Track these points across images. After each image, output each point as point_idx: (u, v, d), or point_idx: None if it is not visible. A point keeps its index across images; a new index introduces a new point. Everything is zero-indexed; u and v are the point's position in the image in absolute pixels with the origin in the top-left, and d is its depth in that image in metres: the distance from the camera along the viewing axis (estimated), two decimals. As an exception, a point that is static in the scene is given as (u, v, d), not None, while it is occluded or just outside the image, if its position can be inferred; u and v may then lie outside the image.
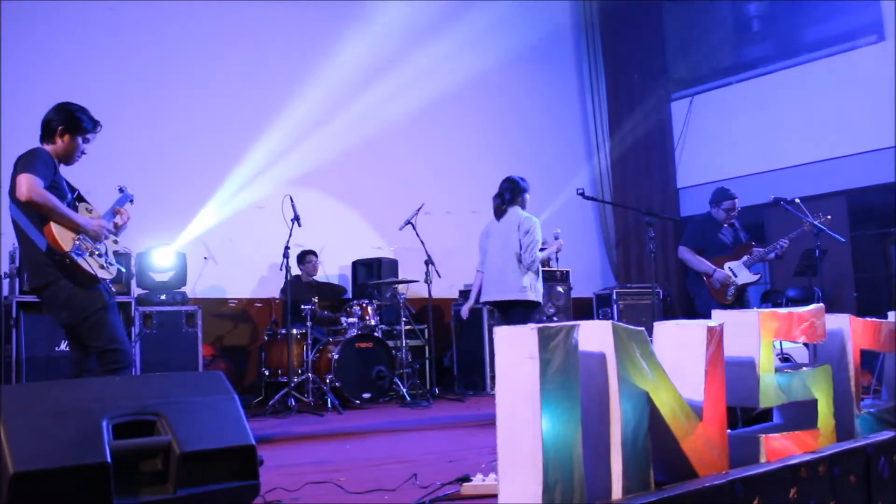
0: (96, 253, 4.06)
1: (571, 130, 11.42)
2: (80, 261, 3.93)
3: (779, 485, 2.71)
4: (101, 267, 4.05)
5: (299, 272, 8.12)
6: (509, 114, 10.67)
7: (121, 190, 4.51)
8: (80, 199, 4.27)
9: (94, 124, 4.25)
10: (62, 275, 3.96)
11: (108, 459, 2.18)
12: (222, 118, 8.31)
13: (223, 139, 8.29)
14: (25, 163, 3.96)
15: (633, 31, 11.68)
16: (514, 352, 2.35)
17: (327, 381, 7.21)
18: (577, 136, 11.45)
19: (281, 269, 7.08)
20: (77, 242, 3.97)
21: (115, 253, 4.25)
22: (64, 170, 4.23)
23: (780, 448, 2.98)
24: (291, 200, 7.05)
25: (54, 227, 3.92)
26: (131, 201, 4.50)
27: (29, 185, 3.84)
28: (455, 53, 10.16)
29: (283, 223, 7.04)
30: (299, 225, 7.06)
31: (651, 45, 11.81)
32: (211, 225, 8.18)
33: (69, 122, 4.15)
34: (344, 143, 9.05)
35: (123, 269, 4.48)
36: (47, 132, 4.17)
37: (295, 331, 7.34)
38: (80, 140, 4.19)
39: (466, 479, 3.18)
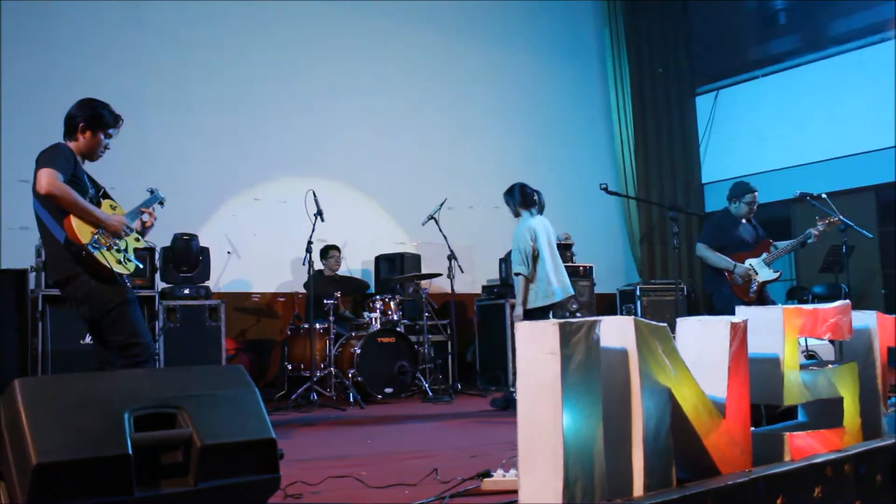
0: (114, 248, 4.07)
1: (595, 125, 11.36)
2: (97, 254, 3.95)
3: (803, 483, 2.68)
4: (119, 262, 4.06)
5: (322, 267, 8.14)
6: (533, 108, 10.63)
7: (150, 191, 4.53)
8: (106, 195, 4.29)
9: (116, 119, 4.26)
10: (81, 269, 3.98)
11: (130, 451, 2.18)
12: (245, 113, 8.34)
13: (246, 134, 8.32)
14: (46, 157, 3.99)
15: (657, 24, 11.61)
16: (536, 347, 2.34)
17: (349, 375, 7.22)
18: (601, 131, 11.38)
19: (304, 264, 7.10)
20: (95, 236, 3.99)
21: (135, 250, 4.27)
22: (90, 166, 4.26)
23: (805, 446, 2.95)
24: (314, 195, 7.06)
25: (73, 221, 3.94)
26: (161, 203, 4.53)
27: (48, 178, 3.87)
28: (480, 48, 10.16)
29: (306, 218, 7.05)
30: (322, 220, 7.08)
31: (676, 39, 11.74)
32: (234, 219, 8.22)
33: (91, 118, 4.18)
34: (367, 138, 9.07)
35: (142, 266, 4.49)
36: (70, 128, 4.20)
37: (317, 325, 7.36)
38: (101, 136, 4.22)
39: (487, 474, 3.17)
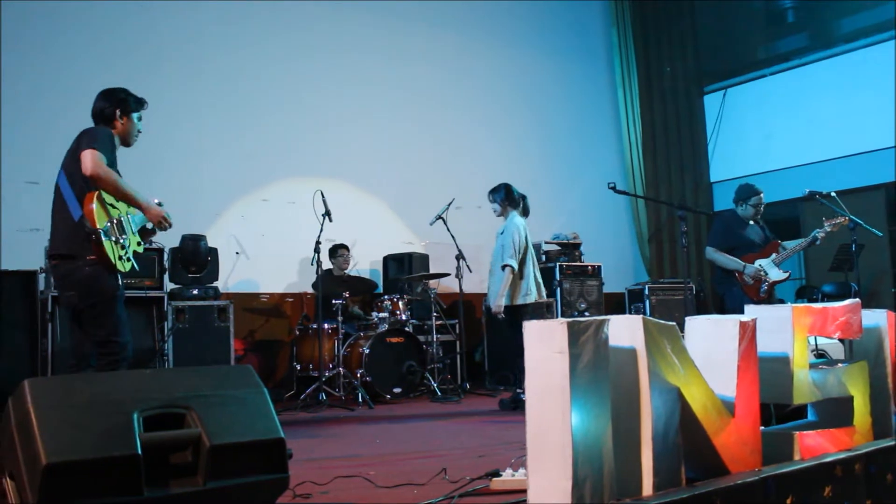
0: (120, 244, 4.10)
1: (603, 124, 11.34)
2: (105, 242, 3.97)
3: (813, 483, 2.67)
4: (119, 258, 4.08)
5: (330, 267, 8.15)
6: (541, 108, 10.62)
7: (159, 204, 4.57)
8: None
9: (141, 101, 4.37)
10: (84, 252, 3.98)
11: (139, 451, 2.19)
12: (254, 114, 8.35)
13: (254, 135, 8.34)
14: (91, 138, 4.03)
15: (665, 23, 11.59)
16: (544, 346, 2.34)
17: (358, 375, 7.23)
18: (609, 130, 11.37)
19: (312, 264, 7.11)
20: (108, 224, 4.01)
21: (135, 253, 4.29)
22: None
23: (815, 445, 2.94)
24: (322, 195, 7.07)
25: (94, 205, 3.96)
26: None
27: (94, 160, 3.92)
28: (487, 48, 10.16)
29: (314, 218, 7.06)
30: (330, 220, 7.09)
31: (684, 38, 11.71)
32: (243, 220, 8.23)
33: (123, 104, 4.27)
34: (375, 138, 9.08)
35: (137, 268, 4.50)
36: (105, 118, 4.25)
37: (326, 325, 7.37)
38: (136, 119, 4.32)
39: (496, 474, 3.17)
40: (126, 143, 4.34)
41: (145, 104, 4.40)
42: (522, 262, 6.44)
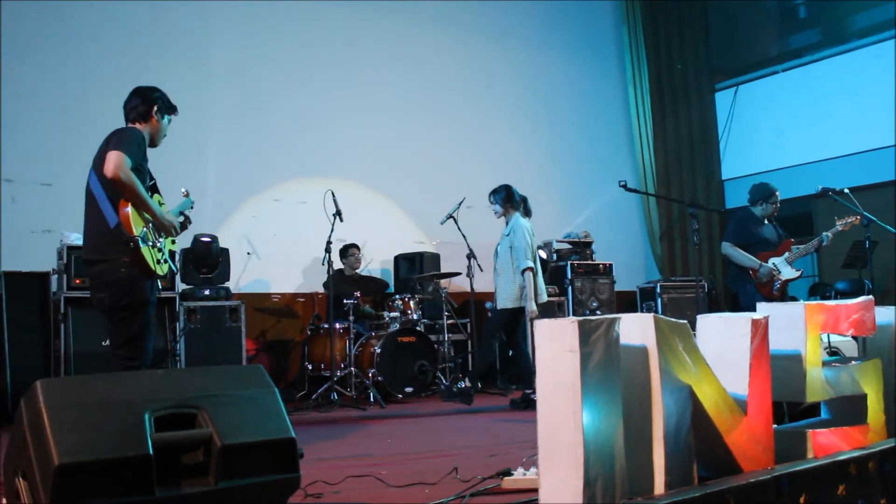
0: (157, 247, 4.08)
1: (614, 122, 11.31)
2: (143, 248, 3.93)
3: (826, 481, 2.66)
4: (157, 262, 4.06)
5: (342, 266, 8.16)
6: (552, 106, 10.60)
7: (185, 194, 4.58)
8: (155, 188, 4.29)
9: (174, 106, 4.40)
10: (120, 256, 3.93)
11: (151, 452, 2.20)
12: (265, 114, 8.37)
13: (266, 135, 8.35)
14: (119, 140, 3.99)
15: (676, 20, 11.55)
16: (555, 345, 2.33)
17: (370, 375, 7.23)
18: (620, 128, 11.34)
19: (323, 264, 7.12)
20: (145, 230, 3.99)
21: (170, 252, 4.28)
22: None
23: (828, 444, 2.92)
24: (333, 195, 7.08)
25: (130, 210, 3.92)
26: (192, 206, 4.58)
27: (117, 162, 3.86)
28: (498, 47, 10.15)
29: (325, 218, 7.07)
30: (341, 220, 7.10)
31: (694, 35, 11.67)
32: (254, 220, 8.25)
33: (156, 104, 4.25)
34: (386, 138, 9.08)
35: (175, 270, 4.50)
36: (140, 114, 4.22)
37: (337, 325, 7.37)
38: (165, 121, 4.33)
39: (507, 473, 3.17)
40: (153, 143, 4.32)
41: (176, 110, 4.40)
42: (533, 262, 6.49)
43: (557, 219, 9.93)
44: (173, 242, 4.33)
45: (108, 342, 6.09)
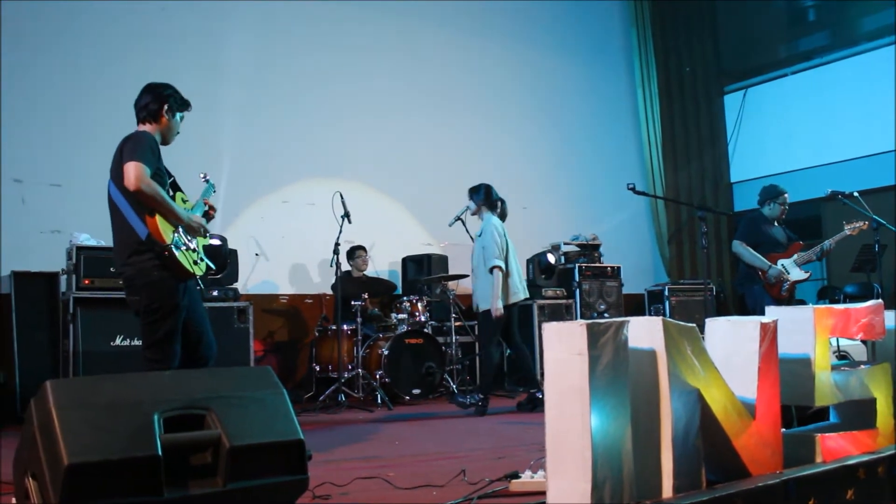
0: (191, 248, 4.06)
1: (623, 125, 11.30)
2: (178, 254, 3.92)
3: (835, 485, 2.65)
4: (195, 262, 4.04)
5: (349, 268, 8.16)
6: (560, 109, 10.59)
7: (206, 180, 4.52)
8: (176, 186, 4.24)
9: (187, 102, 4.32)
10: (155, 264, 3.90)
11: (159, 452, 2.20)
12: (273, 116, 8.38)
13: (274, 136, 8.36)
14: (133, 148, 3.91)
15: (685, 23, 11.54)
16: (563, 348, 2.33)
17: (377, 376, 7.23)
18: (628, 131, 11.33)
19: (331, 266, 7.13)
20: (176, 235, 3.96)
21: (204, 247, 4.26)
22: None
23: (837, 448, 2.92)
24: (341, 197, 7.09)
25: (158, 219, 3.88)
26: (214, 190, 4.55)
27: (137, 174, 3.80)
28: (506, 49, 10.15)
29: (333, 220, 7.08)
30: (349, 221, 7.11)
31: (703, 38, 11.65)
32: (262, 221, 8.26)
33: (168, 101, 4.17)
34: (394, 140, 9.08)
35: (213, 267, 4.46)
36: (150, 113, 4.15)
37: (345, 327, 7.38)
38: (178, 118, 4.25)
39: (515, 475, 3.16)
40: (165, 141, 4.23)
41: (189, 106, 4.32)
42: (506, 262, 6.46)
43: (565, 221, 9.92)
44: (206, 236, 4.29)
45: (118, 342, 6.18)
